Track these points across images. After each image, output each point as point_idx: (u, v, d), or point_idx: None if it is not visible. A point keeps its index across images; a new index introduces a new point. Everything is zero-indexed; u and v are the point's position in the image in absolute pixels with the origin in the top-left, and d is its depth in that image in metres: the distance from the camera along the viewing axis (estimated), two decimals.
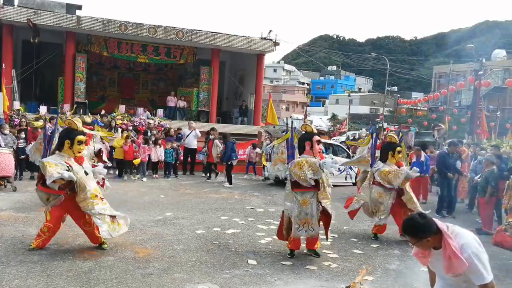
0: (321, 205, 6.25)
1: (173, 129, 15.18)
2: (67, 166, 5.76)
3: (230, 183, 13.15)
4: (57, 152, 6.01)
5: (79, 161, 6.04)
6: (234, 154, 13.68)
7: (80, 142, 6.02)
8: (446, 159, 10.36)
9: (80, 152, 6.06)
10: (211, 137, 14.30)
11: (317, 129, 6.91)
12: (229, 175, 13.26)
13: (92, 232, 6.11)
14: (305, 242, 6.48)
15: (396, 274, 5.85)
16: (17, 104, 14.99)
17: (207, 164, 14.54)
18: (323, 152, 6.64)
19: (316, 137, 6.40)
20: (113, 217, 6.05)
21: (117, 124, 14.68)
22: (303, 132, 6.57)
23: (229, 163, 13.34)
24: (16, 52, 17.28)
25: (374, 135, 8.22)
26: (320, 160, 6.12)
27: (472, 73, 26.97)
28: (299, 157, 6.26)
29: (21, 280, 4.87)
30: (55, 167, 5.61)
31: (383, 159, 7.63)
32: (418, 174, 7.43)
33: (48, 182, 5.47)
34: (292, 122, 7.38)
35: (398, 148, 7.59)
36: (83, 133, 6.17)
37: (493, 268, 6.32)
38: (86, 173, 6.01)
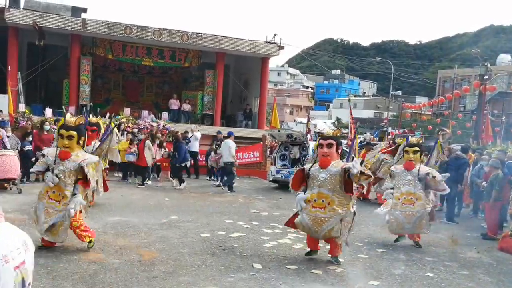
0: None
1: (180, 132, 15.22)
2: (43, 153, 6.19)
3: (181, 184, 12.60)
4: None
5: (62, 156, 6.02)
6: (188, 156, 13.22)
7: (60, 136, 6.09)
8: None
9: (65, 147, 6.05)
10: (142, 137, 13.05)
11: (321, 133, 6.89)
12: (181, 176, 12.81)
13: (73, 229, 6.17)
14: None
15: (402, 279, 5.82)
16: (22, 107, 15.07)
17: (141, 168, 12.95)
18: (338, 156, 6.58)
19: (319, 141, 6.45)
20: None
21: (124, 127, 14.72)
22: None
23: (183, 164, 12.89)
24: (22, 54, 17.36)
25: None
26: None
27: (476, 77, 26.91)
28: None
29: None
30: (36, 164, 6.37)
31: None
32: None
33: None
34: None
35: (406, 148, 7.80)
36: (66, 128, 6.11)
37: (499, 273, 6.35)
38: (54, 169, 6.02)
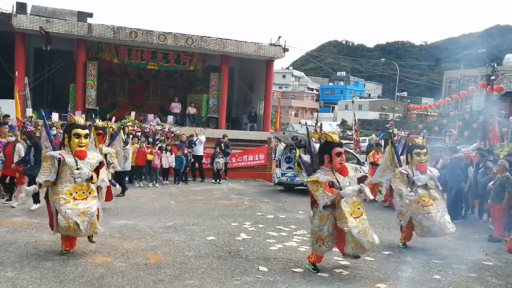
0: (337, 225, 5.77)
1: (185, 135, 15.28)
2: (59, 157, 5.96)
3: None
4: (64, 147, 6.23)
5: (79, 155, 6.08)
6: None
7: (77, 136, 6.10)
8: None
9: (81, 147, 6.11)
10: (12, 138, 9.87)
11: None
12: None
13: None
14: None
15: (409, 281, 5.79)
16: (29, 111, 15.18)
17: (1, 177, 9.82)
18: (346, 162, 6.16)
19: (337, 149, 5.84)
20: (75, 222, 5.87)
21: (129, 131, 14.77)
22: (323, 142, 6.05)
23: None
24: (29, 60, 17.50)
25: (393, 141, 8.08)
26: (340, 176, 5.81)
27: (483, 78, 26.72)
28: (315, 173, 5.87)
29: (34, 285, 4.91)
30: (42, 172, 5.98)
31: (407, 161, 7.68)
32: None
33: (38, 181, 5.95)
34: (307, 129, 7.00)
35: (416, 150, 7.46)
36: (83, 127, 6.20)
37: (507, 276, 6.29)
38: (79, 168, 5.97)
